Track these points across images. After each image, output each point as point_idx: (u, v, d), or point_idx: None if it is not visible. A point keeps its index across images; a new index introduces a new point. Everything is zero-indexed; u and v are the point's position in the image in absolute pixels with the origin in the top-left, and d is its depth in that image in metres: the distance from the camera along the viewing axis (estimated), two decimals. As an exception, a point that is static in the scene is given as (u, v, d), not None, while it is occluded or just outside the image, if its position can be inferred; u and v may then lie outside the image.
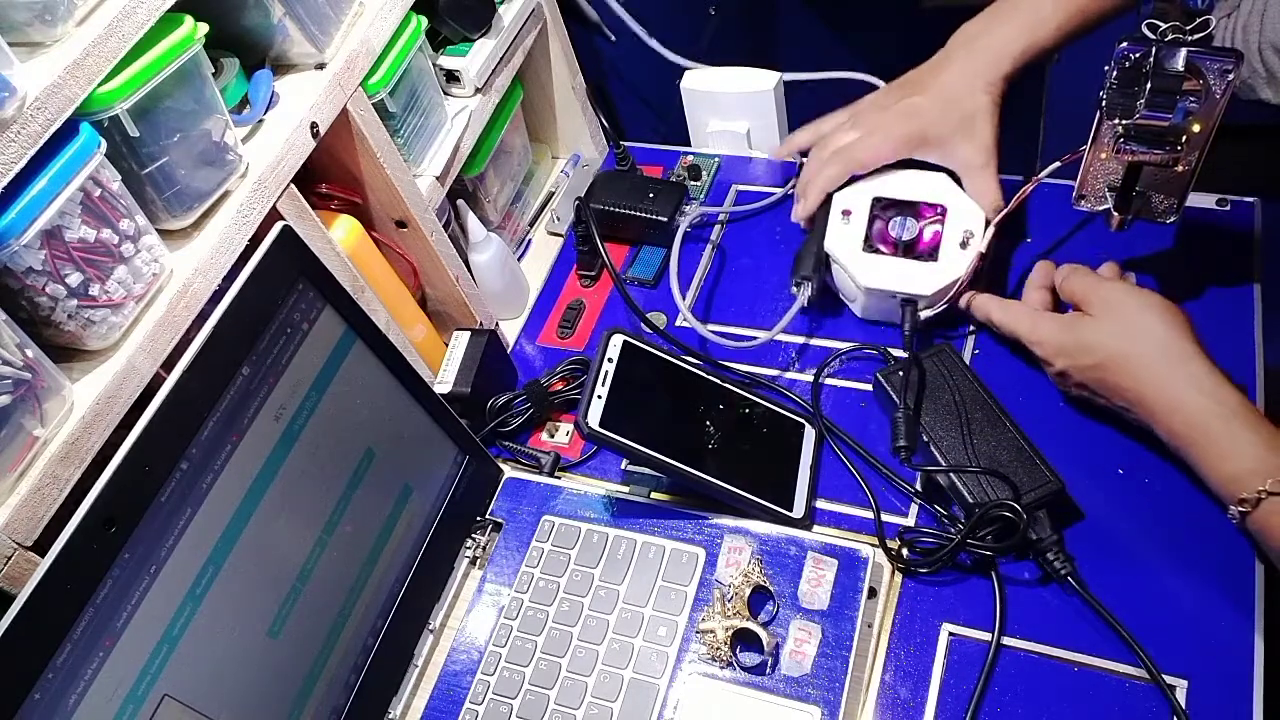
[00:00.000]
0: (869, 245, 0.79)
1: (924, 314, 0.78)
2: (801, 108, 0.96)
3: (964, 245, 0.76)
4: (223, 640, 0.57)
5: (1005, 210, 0.76)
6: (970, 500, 0.68)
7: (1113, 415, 0.71)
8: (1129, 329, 0.66)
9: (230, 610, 0.57)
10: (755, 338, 0.81)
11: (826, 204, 0.81)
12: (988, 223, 0.76)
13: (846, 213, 0.80)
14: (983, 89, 0.76)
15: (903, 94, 0.80)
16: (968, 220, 0.77)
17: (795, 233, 0.90)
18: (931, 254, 0.77)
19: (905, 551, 0.69)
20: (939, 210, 0.78)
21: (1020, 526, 0.65)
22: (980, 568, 0.68)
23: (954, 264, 0.76)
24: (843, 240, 0.79)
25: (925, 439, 0.72)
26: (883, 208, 0.80)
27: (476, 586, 0.74)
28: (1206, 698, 0.61)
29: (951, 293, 0.77)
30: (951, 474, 0.69)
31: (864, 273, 0.78)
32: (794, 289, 0.82)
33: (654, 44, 0.99)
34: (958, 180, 0.79)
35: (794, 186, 0.94)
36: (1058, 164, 0.72)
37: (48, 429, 0.54)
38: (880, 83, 0.88)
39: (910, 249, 0.79)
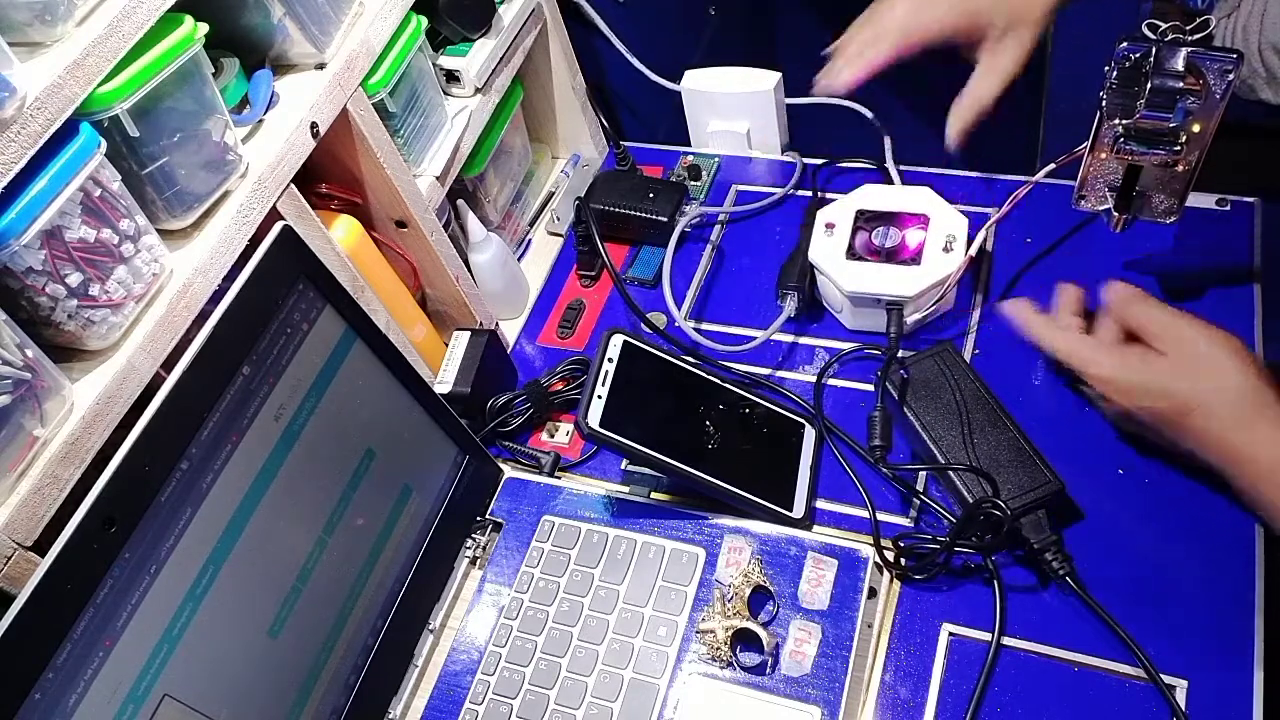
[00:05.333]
0: (852, 254, 0.80)
1: (911, 318, 0.79)
2: (802, 108, 0.96)
3: (947, 250, 0.78)
4: (223, 640, 0.57)
5: (1003, 211, 0.76)
6: (968, 498, 0.68)
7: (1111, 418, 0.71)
8: (1206, 375, 0.62)
9: (230, 610, 0.57)
10: (753, 338, 0.81)
11: (810, 219, 0.82)
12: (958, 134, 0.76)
13: (830, 226, 0.81)
14: None
15: None
16: (950, 226, 0.79)
17: (795, 234, 0.90)
18: (915, 259, 0.79)
19: (901, 559, 0.69)
20: (922, 219, 0.80)
21: (1004, 523, 0.64)
22: (980, 568, 0.68)
23: (937, 267, 0.77)
24: (826, 251, 0.81)
25: (925, 438, 0.72)
26: (866, 220, 0.81)
27: (476, 586, 0.74)
28: (1206, 698, 0.61)
29: (939, 294, 0.78)
30: (951, 474, 0.69)
31: (847, 279, 0.79)
32: (780, 300, 0.84)
33: (640, 67, 0.99)
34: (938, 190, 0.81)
35: (793, 183, 0.94)
36: (1053, 165, 0.72)
37: (48, 429, 0.54)
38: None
39: (893, 255, 0.80)
